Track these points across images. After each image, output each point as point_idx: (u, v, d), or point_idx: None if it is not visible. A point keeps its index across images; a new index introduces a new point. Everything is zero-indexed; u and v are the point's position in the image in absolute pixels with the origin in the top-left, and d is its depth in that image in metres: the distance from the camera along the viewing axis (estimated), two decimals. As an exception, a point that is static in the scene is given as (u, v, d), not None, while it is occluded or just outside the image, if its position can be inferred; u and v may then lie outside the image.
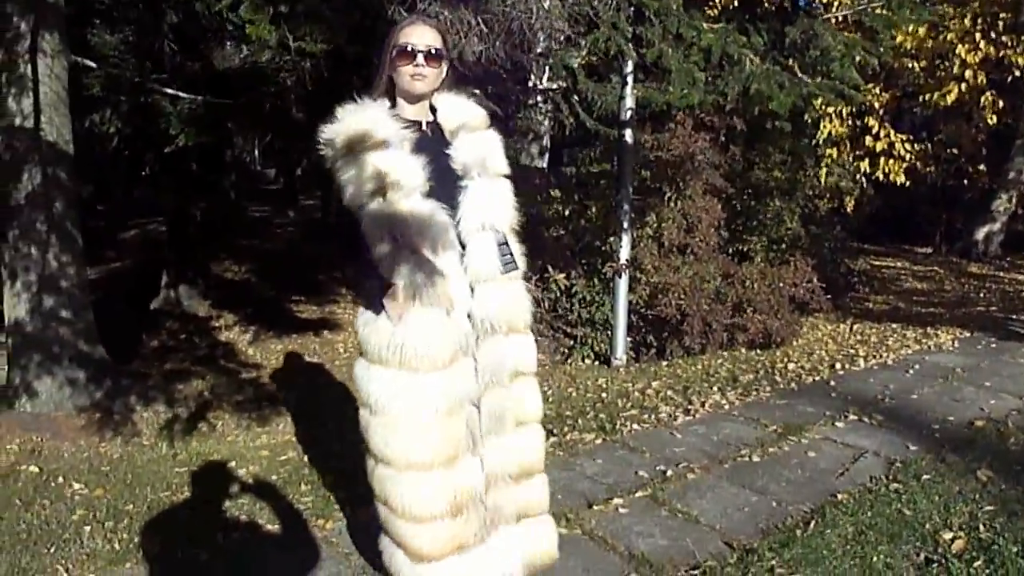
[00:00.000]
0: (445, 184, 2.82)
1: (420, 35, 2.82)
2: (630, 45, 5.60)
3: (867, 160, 13.92)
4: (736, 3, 10.53)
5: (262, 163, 24.65)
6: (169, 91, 7.34)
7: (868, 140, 14.00)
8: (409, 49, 2.80)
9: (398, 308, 2.73)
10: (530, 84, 8.38)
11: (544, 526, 3.13)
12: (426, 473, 2.76)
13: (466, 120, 2.96)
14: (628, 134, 7.40)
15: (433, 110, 2.98)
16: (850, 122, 14.07)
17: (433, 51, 2.83)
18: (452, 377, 2.78)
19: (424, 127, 2.90)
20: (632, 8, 5.73)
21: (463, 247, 2.82)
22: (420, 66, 2.81)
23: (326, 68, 5.89)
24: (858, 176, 13.93)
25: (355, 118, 2.76)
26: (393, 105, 2.89)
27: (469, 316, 2.83)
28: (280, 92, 7.54)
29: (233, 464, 5.31)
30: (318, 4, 4.95)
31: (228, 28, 7.71)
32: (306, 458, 5.32)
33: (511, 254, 2.90)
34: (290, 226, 17.69)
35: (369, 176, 2.69)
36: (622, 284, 7.57)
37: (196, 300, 10.32)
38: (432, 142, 2.87)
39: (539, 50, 6.44)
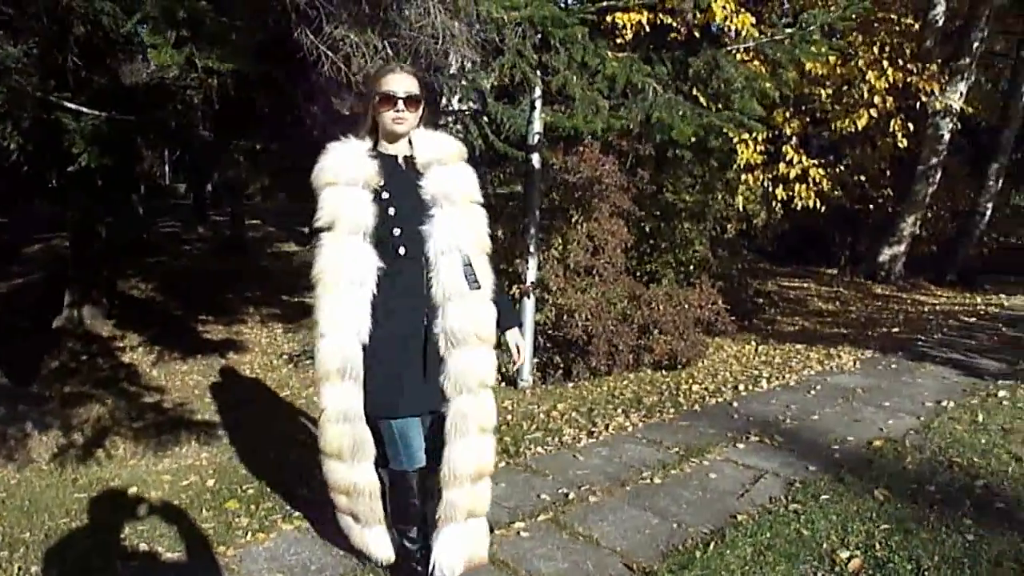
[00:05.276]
0: (413, 211, 3.22)
1: (399, 83, 3.22)
2: (536, 72, 5.67)
3: (782, 186, 14.18)
4: (646, 30, 10.68)
5: (172, 177, 24.25)
6: (72, 106, 7.16)
7: (782, 166, 14.26)
8: (391, 96, 3.20)
9: None
10: (441, 105, 8.39)
11: (485, 526, 3.55)
12: None
13: (439, 155, 3.32)
14: (536, 157, 7.44)
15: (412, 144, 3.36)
16: (762, 148, 14.31)
17: (412, 96, 3.23)
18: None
19: (400, 160, 3.31)
20: (539, 36, 5.79)
21: (430, 267, 3.21)
22: (401, 111, 3.21)
23: (232, 86, 5.85)
24: (774, 203, 14.19)
25: (332, 157, 3.22)
26: (376, 142, 3.32)
27: (432, 332, 3.23)
28: (187, 108, 7.44)
29: (134, 490, 5.21)
30: (222, 27, 4.92)
31: (136, 42, 7.56)
32: (209, 483, 5.24)
33: (474, 274, 3.23)
34: (199, 242, 17.40)
35: (326, 211, 3.15)
36: (529, 306, 7.58)
37: (99, 319, 10.06)
38: (405, 174, 3.28)
39: (451, 71, 6.46)
